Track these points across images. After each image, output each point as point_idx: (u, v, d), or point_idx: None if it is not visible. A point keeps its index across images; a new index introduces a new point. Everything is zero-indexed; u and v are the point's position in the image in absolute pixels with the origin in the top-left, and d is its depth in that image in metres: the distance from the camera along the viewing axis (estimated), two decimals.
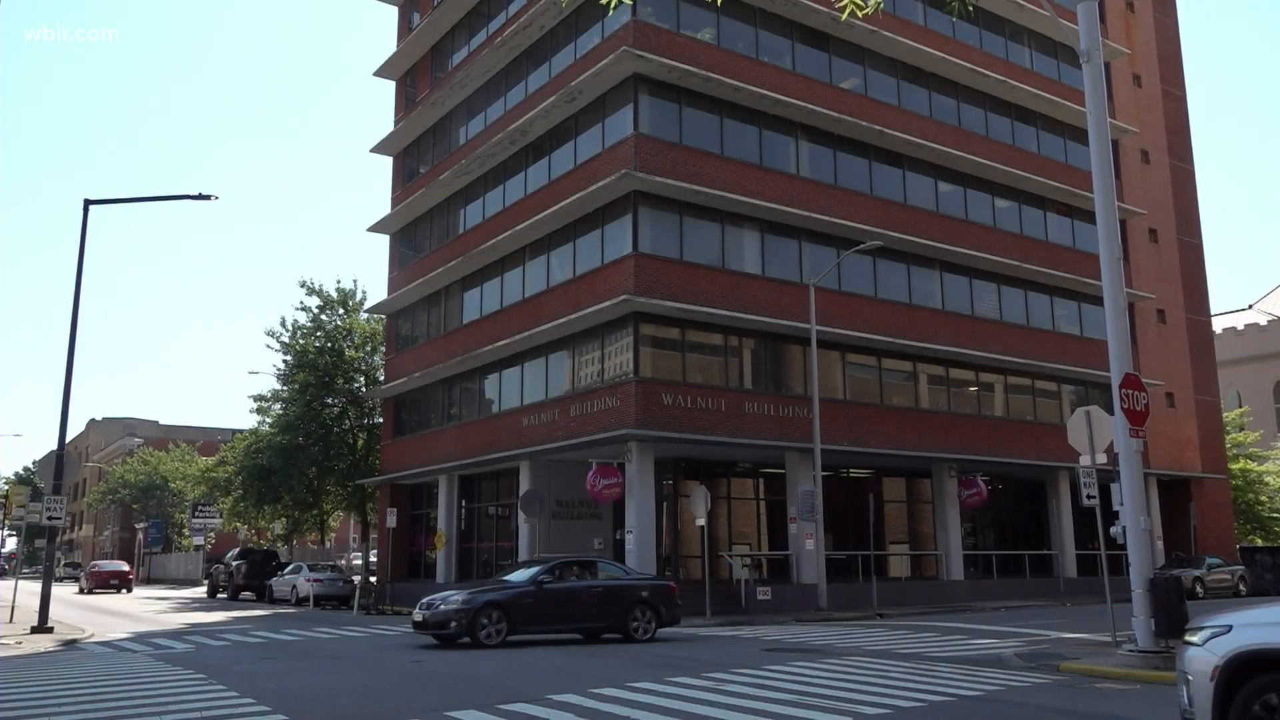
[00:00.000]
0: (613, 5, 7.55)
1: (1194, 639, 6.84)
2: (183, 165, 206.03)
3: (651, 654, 15.41)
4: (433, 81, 36.84)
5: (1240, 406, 53.99)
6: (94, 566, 53.26)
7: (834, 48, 30.61)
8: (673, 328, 26.26)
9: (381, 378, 39.89)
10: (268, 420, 43.64)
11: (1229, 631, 6.59)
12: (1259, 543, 46.58)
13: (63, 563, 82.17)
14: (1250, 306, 62.46)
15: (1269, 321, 60.15)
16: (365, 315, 42.67)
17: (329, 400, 41.85)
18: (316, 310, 42.30)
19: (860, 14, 8.29)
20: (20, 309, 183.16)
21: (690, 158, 26.77)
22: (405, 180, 38.11)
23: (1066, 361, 34.07)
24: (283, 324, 42.33)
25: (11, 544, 69.04)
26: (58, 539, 27.41)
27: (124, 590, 48.89)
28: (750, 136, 28.41)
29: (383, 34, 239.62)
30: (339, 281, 53.72)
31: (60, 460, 22.64)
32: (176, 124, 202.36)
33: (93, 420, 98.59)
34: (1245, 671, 6.25)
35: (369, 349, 42.74)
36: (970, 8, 8.59)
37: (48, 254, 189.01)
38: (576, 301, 26.95)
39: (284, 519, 48.36)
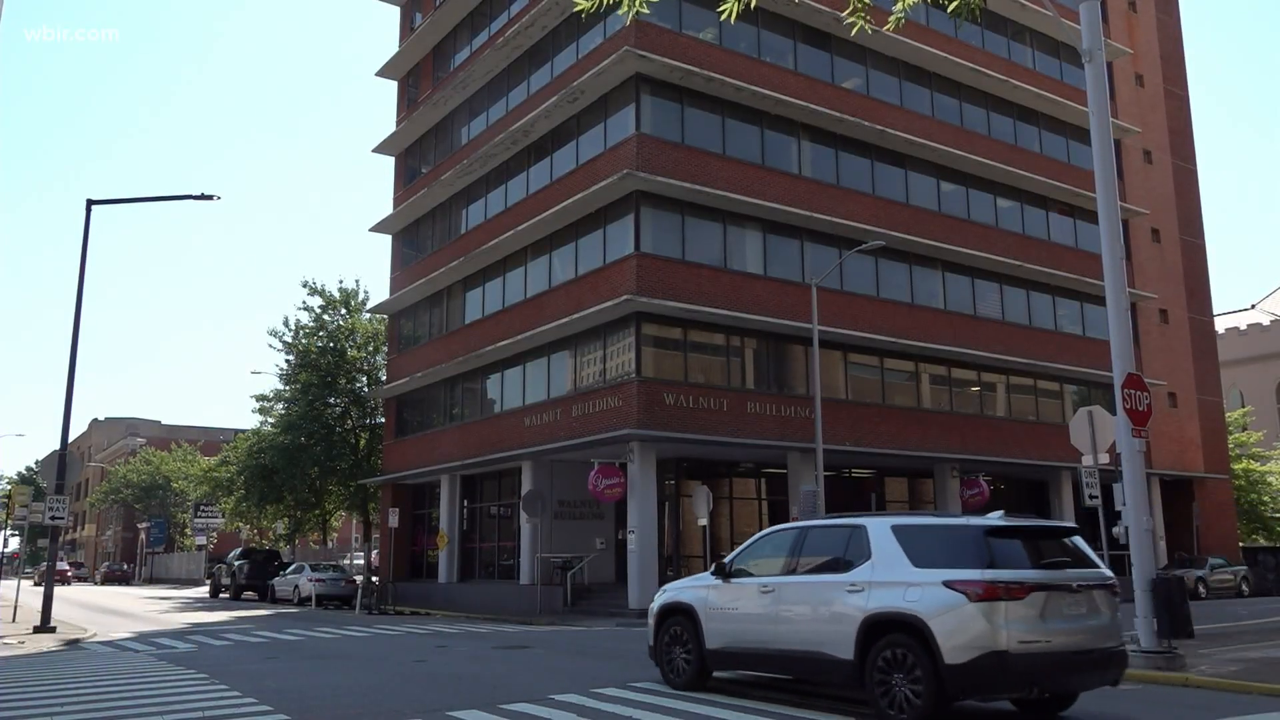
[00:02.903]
0: (631, 12, 7.50)
1: (655, 596, 11.88)
2: (184, 165, 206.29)
3: None
4: (435, 81, 36.84)
5: (1243, 406, 53.94)
6: (43, 566, 61.98)
7: (836, 48, 30.60)
8: (675, 328, 26.25)
9: (383, 377, 39.90)
10: (270, 420, 43.68)
11: (665, 593, 11.74)
12: (1262, 543, 46.59)
13: (65, 562, 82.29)
14: (1253, 306, 62.36)
15: (1271, 321, 60.11)
16: (367, 315, 42.71)
17: (331, 400, 41.89)
18: (319, 310, 42.36)
19: (869, 29, 8.29)
20: (23, 309, 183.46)
21: (692, 158, 26.76)
22: (407, 180, 38.12)
23: (1069, 361, 34.04)
24: (285, 324, 42.44)
25: (14, 544, 69.58)
26: (60, 539, 27.44)
27: (66, 584, 60.84)
28: (752, 136, 28.40)
29: (385, 34, 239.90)
30: (341, 281, 53.87)
31: (62, 460, 22.67)
32: (178, 124, 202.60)
33: (95, 420, 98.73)
34: (667, 615, 11.41)
35: (371, 349, 42.78)
36: (977, 10, 8.53)
37: (50, 254, 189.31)
38: (578, 301, 26.94)
39: (286, 519, 48.41)
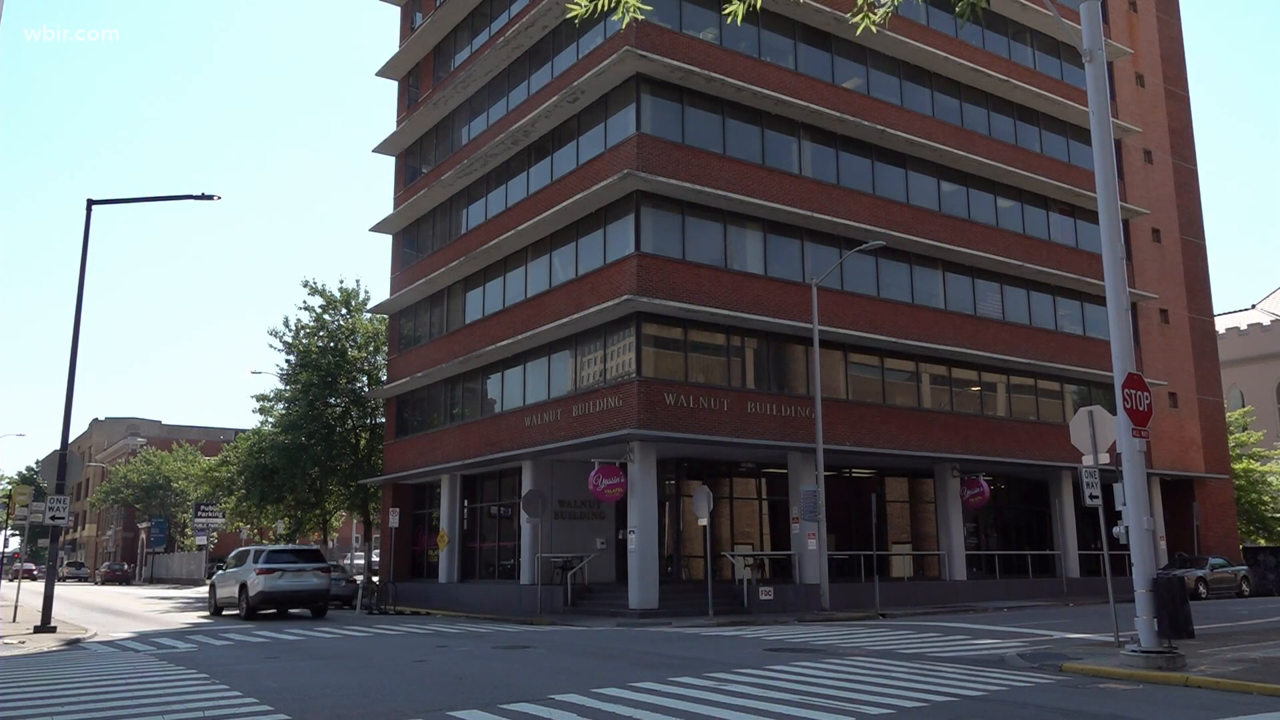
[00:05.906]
0: (626, 18, 7.51)
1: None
2: (185, 165, 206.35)
3: (655, 654, 15.41)
4: (435, 81, 36.84)
5: (1243, 406, 53.93)
6: (16, 566, 66.01)
7: (836, 47, 30.60)
8: (675, 327, 26.24)
9: (384, 377, 39.90)
10: (270, 420, 43.65)
11: (213, 578, 30.43)
12: (1262, 543, 46.57)
13: (66, 562, 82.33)
14: (1253, 306, 62.44)
15: (1272, 321, 60.13)
16: (368, 315, 42.69)
17: (332, 400, 41.86)
18: (319, 310, 42.34)
19: (875, 29, 8.29)
20: (23, 309, 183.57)
21: (693, 157, 26.76)
22: (408, 180, 38.12)
23: (1069, 361, 34.02)
24: (286, 324, 42.42)
25: (15, 543, 69.96)
26: (60, 539, 27.46)
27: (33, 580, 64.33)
28: (753, 136, 28.39)
29: (385, 34, 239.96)
30: (342, 281, 53.78)
31: (63, 460, 22.68)
32: (178, 124, 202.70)
33: (96, 420, 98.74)
34: (211, 587, 30.27)
35: (372, 349, 42.76)
36: (980, 10, 8.55)
37: (50, 254, 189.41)
38: (579, 301, 26.94)
39: (287, 519, 48.35)
